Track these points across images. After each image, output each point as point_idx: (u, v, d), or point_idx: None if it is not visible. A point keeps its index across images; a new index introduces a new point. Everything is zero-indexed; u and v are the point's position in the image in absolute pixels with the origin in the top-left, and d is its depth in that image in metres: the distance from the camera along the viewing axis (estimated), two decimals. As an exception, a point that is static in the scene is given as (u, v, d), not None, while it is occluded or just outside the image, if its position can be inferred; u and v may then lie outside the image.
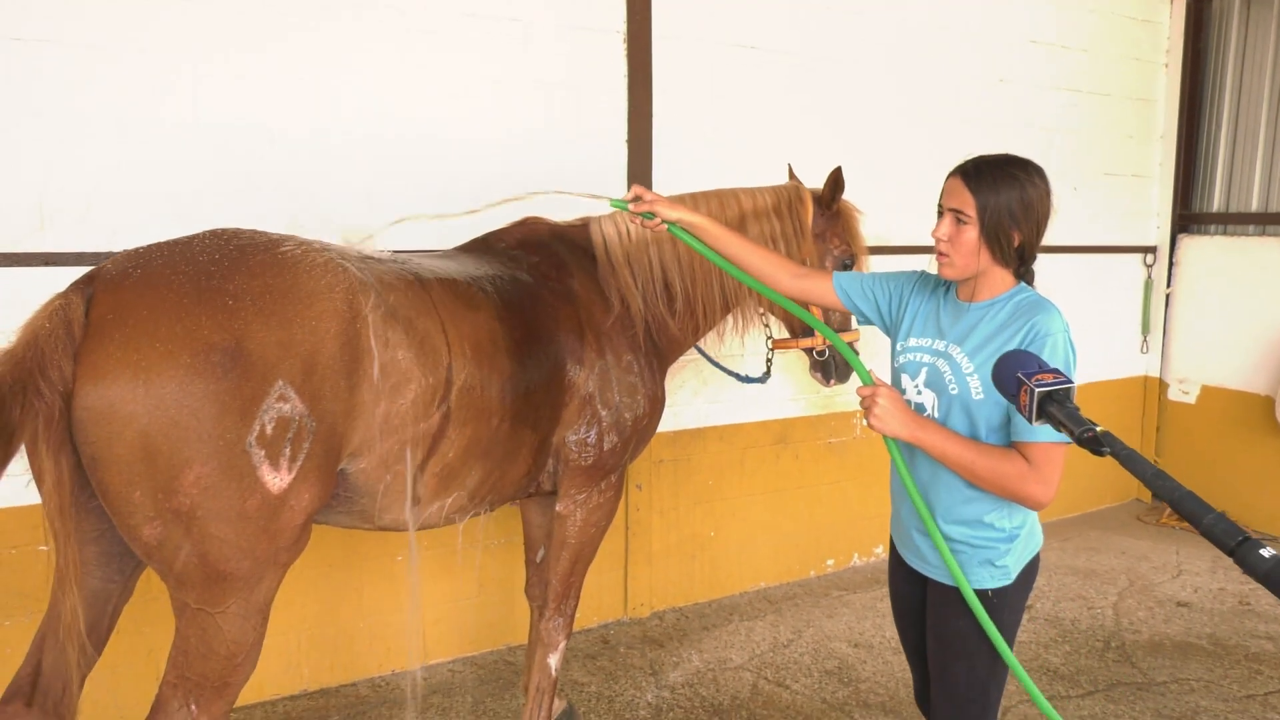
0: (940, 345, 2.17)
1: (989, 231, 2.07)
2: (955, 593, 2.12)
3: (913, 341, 2.25)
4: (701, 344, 3.36)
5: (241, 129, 3.29)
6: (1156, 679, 3.80)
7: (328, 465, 2.21)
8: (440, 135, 3.65)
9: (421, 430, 2.39)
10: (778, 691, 3.68)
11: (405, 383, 2.33)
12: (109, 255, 2.97)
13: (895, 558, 2.41)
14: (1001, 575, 2.14)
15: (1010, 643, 2.15)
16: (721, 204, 3.13)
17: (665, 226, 2.47)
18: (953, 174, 2.13)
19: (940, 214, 2.14)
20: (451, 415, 2.45)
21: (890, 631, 4.19)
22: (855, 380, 3.69)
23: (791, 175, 3.45)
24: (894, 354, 2.31)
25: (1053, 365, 1.72)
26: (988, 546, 2.12)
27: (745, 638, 4.16)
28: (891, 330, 2.36)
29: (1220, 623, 4.35)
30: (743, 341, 3.47)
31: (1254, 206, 5.65)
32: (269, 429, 2.05)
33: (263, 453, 2.05)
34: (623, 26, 3.98)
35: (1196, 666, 3.92)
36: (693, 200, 3.12)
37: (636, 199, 2.46)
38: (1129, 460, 1.49)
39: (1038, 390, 1.60)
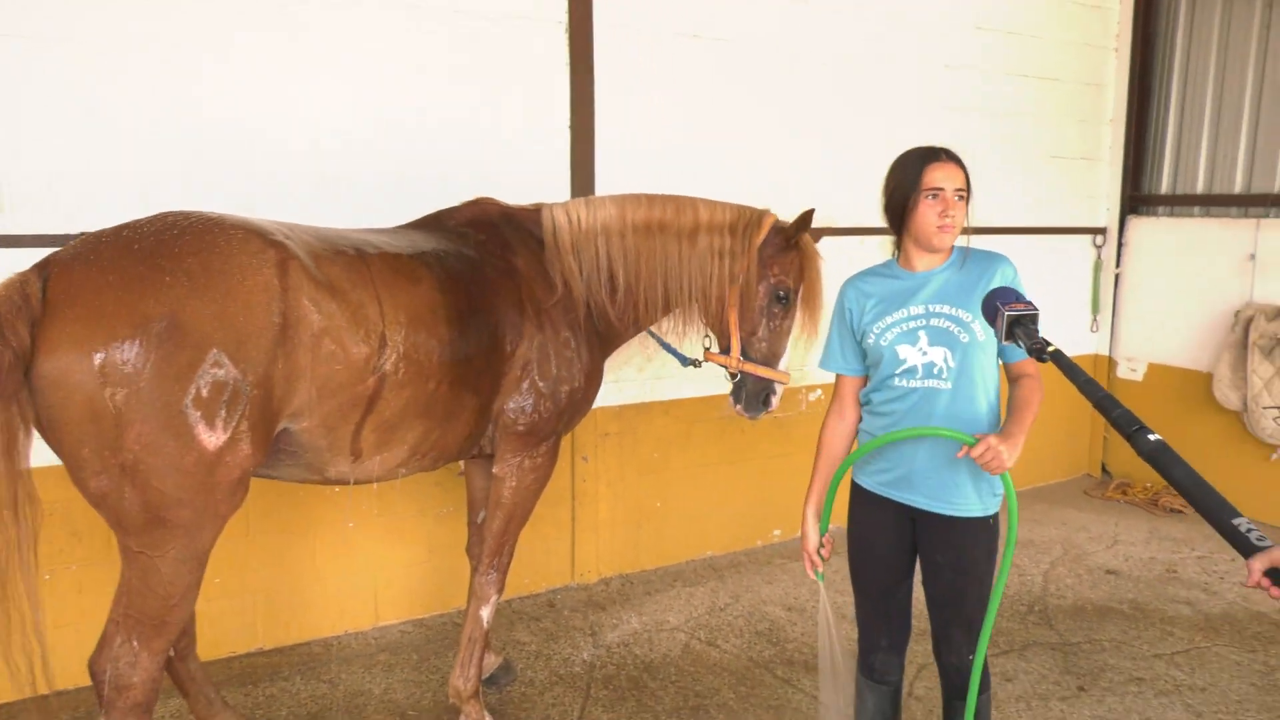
0: (918, 310, 2.49)
1: (971, 205, 2.51)
2: (964, 524, 2.50)
3: (889, 319, 2.52)
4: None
5: (197, 118, 3.48)
6: (1071, 639, 4.00)
7: (265, 425, 2.46)
8: (383, 124, 3.83)
9: (358, 392, 2.62)
10: (707, 650, 3.89)
11: (339, 349, 2.56)
12: (68, 237, 3.20)
13: (875, 506, 2.63)
14: (996, 502, 2.55)
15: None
16: (679, 210, 3.26)
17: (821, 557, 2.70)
18: (939, 161, 2.46)
19: (932, 195, 2.43)
20: (387, 379, 2.67)
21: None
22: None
23: (807, 217, 3.28)
24: (874, 339, 2.55)
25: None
26: (989, 478, 2.50)
27: (685, 602, 4.37)
28: (859, 332, 2.62)
29: (1144, 589, 4.54)
30: (680, 342, 3.57)
31: (1199, 189, 5.80)
32: (204, 392, 2.30)
33: (199, 414, 2.30)
34: (564, 16, 4.14)
35: (1112, 629, 4.11)
36: (649, 202, 3.25)
37: (816, 569, 2.71)
38: (1068, 370, 1.92)
39: (1009, 315, 2.10)
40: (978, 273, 2.50)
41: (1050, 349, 2.01)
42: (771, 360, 3.39)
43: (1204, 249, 5.68)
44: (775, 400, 3.42)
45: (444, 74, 3.93)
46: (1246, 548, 1.48)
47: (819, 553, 2.66)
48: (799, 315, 3.40)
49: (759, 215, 3.32)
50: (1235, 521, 1.49)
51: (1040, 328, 2.13)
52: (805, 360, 4.28)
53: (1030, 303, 2.13)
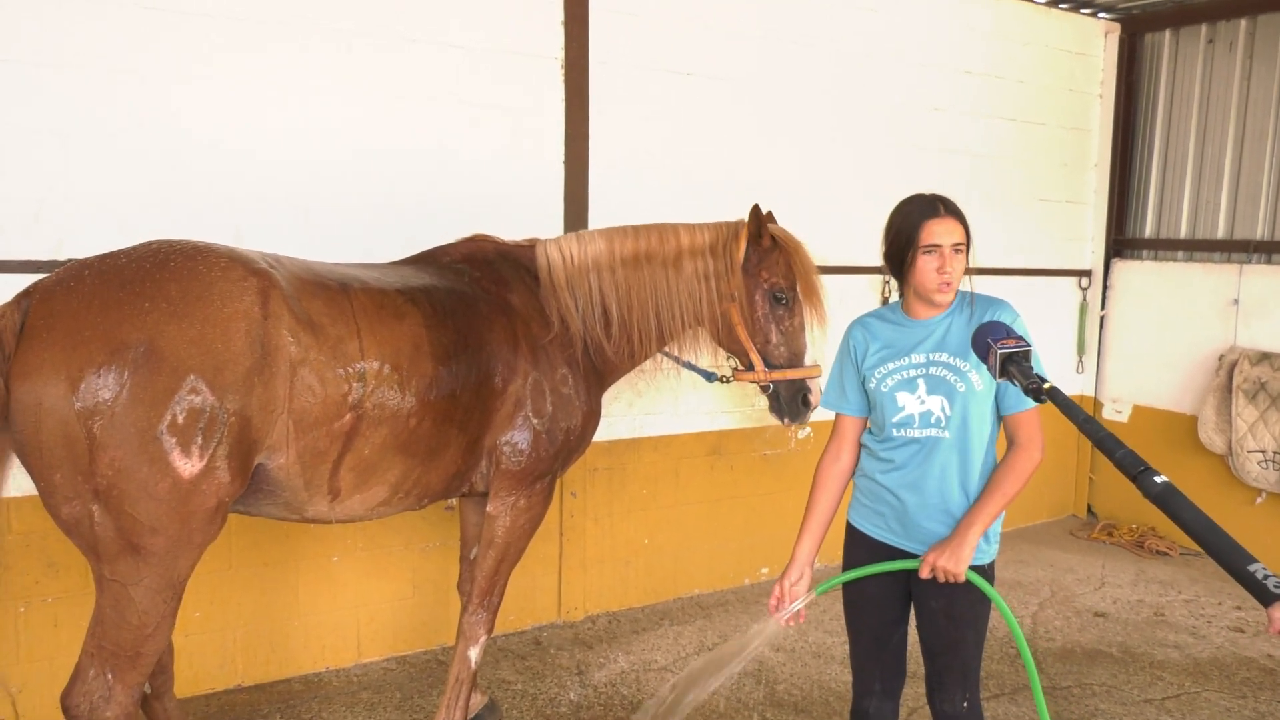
0: (920, 359, 2.47)
1: (971, 253, 2.47)
2: None
3: (891, 365, 2.49)
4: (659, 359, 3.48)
5: (186, 143, 3.46)
6: (1061, 684, 3.96)
7: (243, 455, 2.42)
8: (378, 156, 3.82)
9: (335, 428, 2.58)
10: (696, 691, 3.83)
11: (316, 383, 2.53)
12: (54, 263, 3.17)
13: (869, 550, 2.58)
14: (992, 551, 2.51)
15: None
16: (661, 238, 3.27)
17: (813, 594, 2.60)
18: (937, 216, 2.41)
19: (929, 251, 2.40)
20: (365, 415, 2.63)
21: (813, 637, 4.35)
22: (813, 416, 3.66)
23: (755, 214, 3.30)
24: (875, 383, 2.52)
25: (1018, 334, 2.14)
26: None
27: (673, 641, 4.31)
28: (862, 372, 2.58)
29: (1133, 632, 4.52)
30: (695, 356, 3.52)
31: (1182, 233, 5.88)
32: (180, 418, 2.27)
33: (174, 440, 2.27)
34: (560, 53, 4.17)
35: (1102, 672, 4.08)
36: (634, 233, 3.27)
37: (780, 604, 2.63)
38: (1066, 408, 1.86)
39: (1000, 352, 2.02)
40: (978, 321, 2.44)
41: (1047, 386, 1.96)
42: (796, 360, 3.39)
43: (1188, 293, 5.75)
44: (814, 397, 3.39)
45: (439, 106, 3.93)
46: (1265, 595, 1.44)
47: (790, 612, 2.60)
48: (805, 307, 3.39)
49: (735, 228, 3.32)
50: (1251, 568, 1.45)
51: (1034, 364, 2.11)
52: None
53: (1022, 338, 2.09)
